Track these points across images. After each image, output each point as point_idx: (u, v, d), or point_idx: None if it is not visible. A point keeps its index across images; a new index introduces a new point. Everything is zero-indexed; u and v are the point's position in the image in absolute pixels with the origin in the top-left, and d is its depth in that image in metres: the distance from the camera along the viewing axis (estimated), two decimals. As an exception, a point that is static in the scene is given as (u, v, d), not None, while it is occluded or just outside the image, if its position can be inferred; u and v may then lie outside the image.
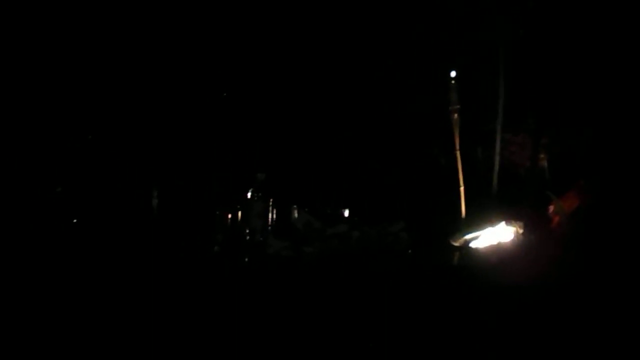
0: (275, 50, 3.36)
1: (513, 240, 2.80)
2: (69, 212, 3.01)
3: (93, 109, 3.28)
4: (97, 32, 3.23)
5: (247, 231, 2.95)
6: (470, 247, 2.85)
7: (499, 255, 2.75)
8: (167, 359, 2.26)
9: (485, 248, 2.83)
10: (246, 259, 2.87)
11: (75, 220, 2.97)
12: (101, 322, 2.39)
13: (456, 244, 2.88)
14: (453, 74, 3.09)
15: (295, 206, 3.12)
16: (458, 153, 3.05)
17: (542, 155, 3.03)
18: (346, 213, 3.24)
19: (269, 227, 3.01)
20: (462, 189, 3.02)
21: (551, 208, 2.82)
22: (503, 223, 2.84)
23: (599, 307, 2.24)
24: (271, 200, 3.04)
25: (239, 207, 2.99)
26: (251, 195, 3.01)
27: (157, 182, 3.23)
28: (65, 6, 3.18)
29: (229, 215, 2.97)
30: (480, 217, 2.90)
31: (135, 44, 3.25)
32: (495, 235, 2.84)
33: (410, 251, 2.92)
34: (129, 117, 3.31)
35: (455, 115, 3.07)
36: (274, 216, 3.05)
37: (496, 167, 2.95)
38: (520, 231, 2.81)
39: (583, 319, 2.24)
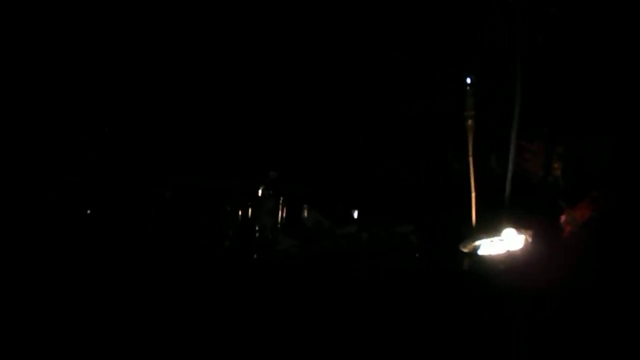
0: (292, 48, 3.37)
1: (523, 248, 2.79)
2: (84, 202, 3.03)
3: (108, 102, 3.30)
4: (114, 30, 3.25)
5: (257, 228, 2.96)
6: (480, 254, 2.85)
7: (508, 263, 2.74)
8: (175, 354, 2.27)
9: (495, 255, 2.82)
10: (255, 255, 2.88)
11: (89, 211, 2.99)
12: (108, 316, 2.41)
13: (466, 250, 2.87)
14: (469, 80, 3.08)
15: (305, 205, 3.12)
16: (471, 159, 3.04)
17: (556, 165, 3.01)
18: (356, 214, 3.23)
19: (279, 225, 3.01)
20: (473, 195, 3.01)
21: (563, 218, 2.81)
22: (514, 231, 2.83)
23: (608, 317, 2.23)
24: (282, 198, 3.04)
25: (249, 203, 3.00)
26: (262, 193, 3.01)
27: (170, 176, 3.25)
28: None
29: (240, 212, 2.98)
30: (491, 224, 2.89)
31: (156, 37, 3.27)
32: (505, 243, 2.83)
33: (418, 254, 2.92)
34: (143, 111, 3.33)
35: (470, 121, 3.06)
36: (284, 214, 3.06)
37: (509, 175, 2.94)
38: (531, 240, 2.80)
39: (592, 329, 2.23)
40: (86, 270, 2.57)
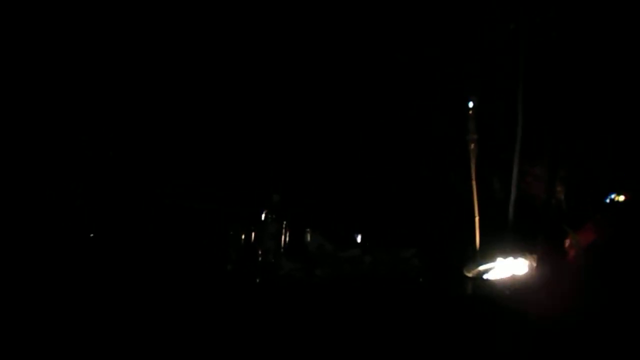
0: (293, 70, 3.41)
1: (527, 272, 2.78)
2: (86, 225, 3.04)
3: (109, 122, 3.33)
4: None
5: (260, 251, 2.95)
6: (484, 278, 2.83)
7: (512, 288, 2.72)
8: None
9: (499, 280, 2.80)
10: (258, 279, 2.87)
11: (92, 235, 2.99)
12: (112, 337, 2.40)
13: (469, 274, 2.86)
14: (471, 104, 3.10)
15: (308, 229, 3.12)
16: (474, 183, 3.04)
17: (559, 188, 3.01)
18: (359, 237, 3.22)
19: (282, 249, 3.00)
20: (477, 219, 3.01)
21: (567, 241, 2.79)
22: (518, 255, 2.81)
23: (612, 341, 2.21)
24: (285, 222, 3.04)
25: (253, 227, 3.00)
26: (265, 216, 3.01)
27: (172, 200, 3.26)
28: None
29: (243, 235, 2.98)
30: (495, 248, 2.88)
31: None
32: (510, 268, 2.81)
33: (421, 278, 2.90)
34: (143, 134, 3.36)
35: (473, 145, 3.07)
36: (287, 238, 3.05)
37: (512, 199, 2.93)
38: (535, 264, 2.78)
39: (597, 353, 2.21)
40: (91, 291, 2.57)
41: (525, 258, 2.80)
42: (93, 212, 3.11)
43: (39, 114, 3.21)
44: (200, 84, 3.40)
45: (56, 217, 3.04)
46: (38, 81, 3.23)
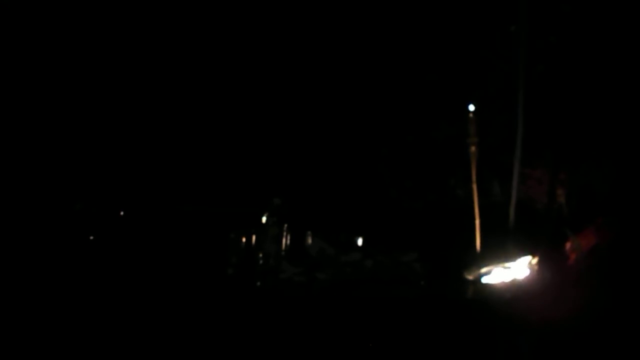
0: (294, 73, 3.41)
1: (528, 276, 2.78)
2: (86, 229, 3.04)
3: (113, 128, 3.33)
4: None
5: (261, 255, 2.95)
6: (484, 282, 2.83)
7: (513, 291, 2.72)
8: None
9: (500, 283, 2.80)
10: (258, 283, 2.87)
11: (91, 237, 2.99)
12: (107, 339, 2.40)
13: (470, 277, 2.86)
14: (472, 107, 3.10)
15: (309, 232, 3.12)
16: (475, 186, 3.04)
17: (560, 191, 3.01)
18: (360, 241, 3.22)
19: (283, 253, 3.00)
20: (477, 222, 3.01)
21: (568, 245, 2.80)
22: (518, 259, 2.82)
23: (614, 345, 2.21)
24: (286, 225, 3.03)
25: (253, 231, 3.00)
26: (266, 220, 3.01)
27: (172, 203, 3.26)
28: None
29: (244, 239, 2.98)
30: (495, 251, 2.88)
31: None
32: (510, 271, 2.82)
33: (423, 282, 2.90)
34: (144, 136, 3.36)
35: (473, 148, 3.07)
36: (288, 242, 3.05)
37: (513, 202, 2.93)
38: (536, 267, 2.78)
39: (597, 358, 2.21)
40: (90, 298, 2.57)
41: (526, 262, 2.79)
42: (93, 215, 3.11)
43: (39, 115, 3.21)
44: (202, 87, 3.41)
45: (56, 221, 3.03)
46: (38, 82, 3.22)
